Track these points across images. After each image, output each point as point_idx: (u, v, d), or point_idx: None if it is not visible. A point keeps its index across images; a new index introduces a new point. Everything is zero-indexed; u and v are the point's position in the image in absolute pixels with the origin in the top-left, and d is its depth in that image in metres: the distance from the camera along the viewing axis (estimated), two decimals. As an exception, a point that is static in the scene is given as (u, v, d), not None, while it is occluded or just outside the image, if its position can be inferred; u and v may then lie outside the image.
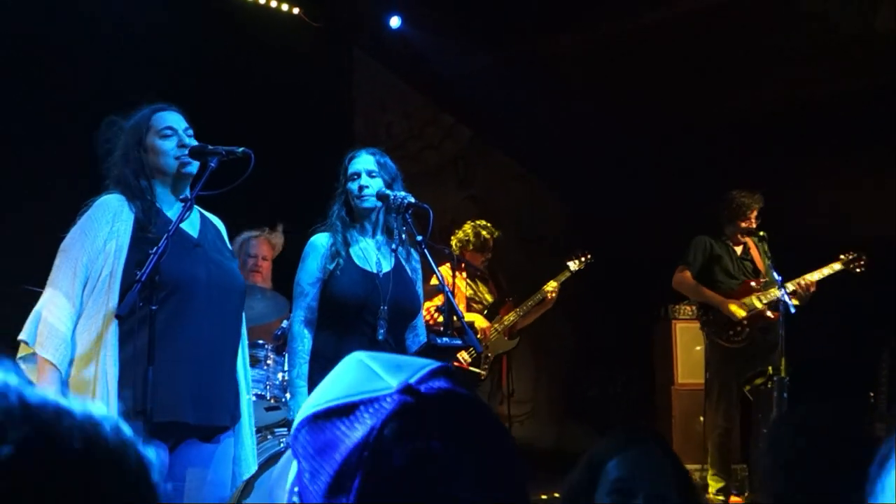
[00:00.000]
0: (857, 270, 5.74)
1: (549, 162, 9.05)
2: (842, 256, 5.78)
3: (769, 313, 5.74)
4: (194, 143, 3.07)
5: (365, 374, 0.95)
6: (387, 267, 3.55)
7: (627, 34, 6.89)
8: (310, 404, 0.95)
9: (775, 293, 5.60)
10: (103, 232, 2.89)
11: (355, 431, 0.90)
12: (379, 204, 3.52)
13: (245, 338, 3.24)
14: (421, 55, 7.81)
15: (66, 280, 2.85)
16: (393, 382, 0.92)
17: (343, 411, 0.92)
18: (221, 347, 3.05)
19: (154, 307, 2.66)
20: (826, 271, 5.72)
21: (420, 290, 3.70)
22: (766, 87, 6.92)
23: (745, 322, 5.77)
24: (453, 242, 6.23)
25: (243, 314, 3.20)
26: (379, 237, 3.61)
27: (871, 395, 6.06)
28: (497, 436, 0.96)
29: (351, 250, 3.51)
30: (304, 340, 3.43)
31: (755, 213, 5.85)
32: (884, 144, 6.73)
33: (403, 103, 8.45)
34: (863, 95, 6.55)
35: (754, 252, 6.01)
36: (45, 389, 0.71)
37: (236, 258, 4.67)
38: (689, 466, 6.47)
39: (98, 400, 2.67)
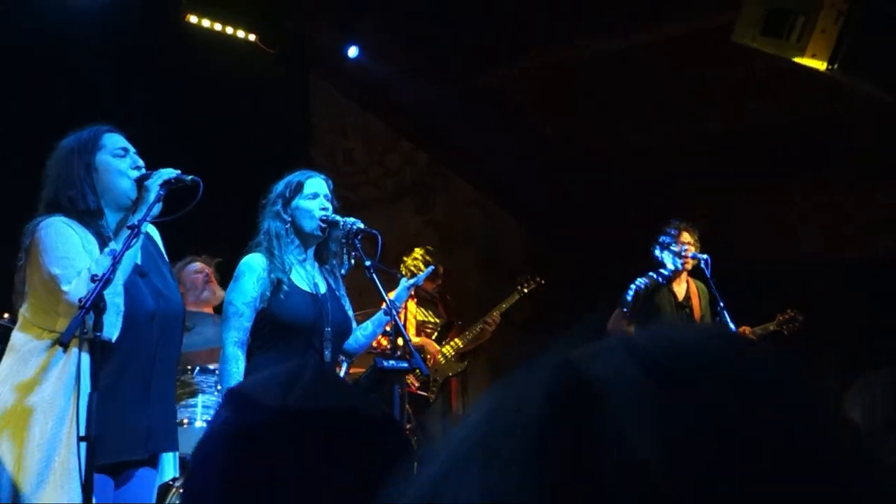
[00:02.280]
0: (786, 333, 5.80)
1: (506, 187, 9.17)
2: (778, 317, 5.85)
3: None
4: (140, 162, 3.03)
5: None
6: (323, 288, 3.54)
7: (579, 63, 7.05)
8: None
9: None
10: (77, 240, 2.84)
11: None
12: (325, 228, 3.52)
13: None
14: (379, 82, 7.89)
15: (67, 272, 2.76)
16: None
17: None
18: (167, 376, 3.08)
19: (98, 334, 2.63)
20: (759, 331, 5.80)
21: (351, 312, 3.69)
22: (710, 116, 7.13)
23: None
24: (402, 269, 6.28)
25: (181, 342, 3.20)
26: (311, 259, 3.58)
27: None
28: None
29: (291, 273, 3.46)
30: (238, 362, 3.30)
31: (686, 238, 5.85)
32: (811, 172, 6.99)
33: (363, 129, 8.51)
34: (791, 126, 6.78)
35: (695, 300, 6.02)
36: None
37: (173, 272, 4.69)
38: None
39: (48, 425, 2.70)
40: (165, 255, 3.26)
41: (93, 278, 2.63)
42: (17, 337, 2.86)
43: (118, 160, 2.99)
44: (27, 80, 5.66)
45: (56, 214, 2.90)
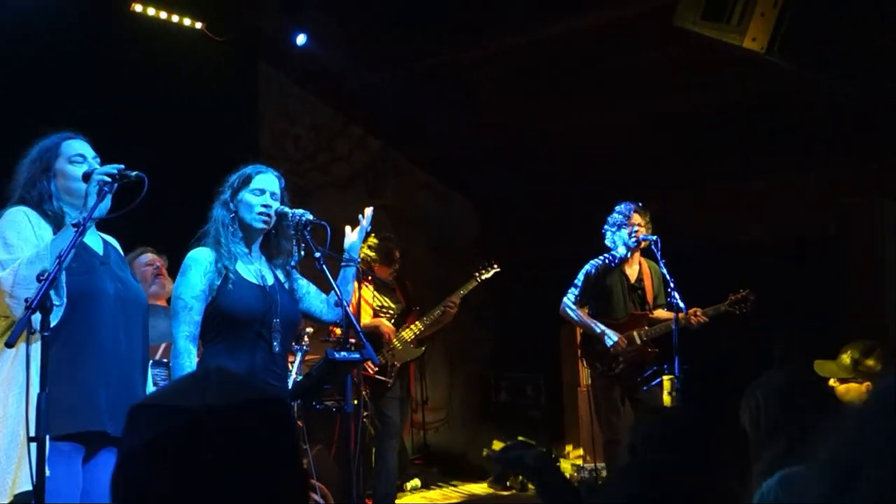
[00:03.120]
0: (739, 312, 5.80)
1: (457, 170, 9.21)
2: (731, 297, 5.82)
3: (648, 349, 5.88)
4: (97, 166, 3.11)
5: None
6: (270, 280, 3.56)
7: (529, 46, 7.09)
8: None
9: (658, 329, 5.81)
10: (30, 229, 2.95)
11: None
12: (267, 221, 3.53)
13: (147, 356, 3.29)
14: (327, 69, 7.86)
15: (5, 257, 2.87)
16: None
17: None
18: (133, 362, 3.12)
19: (46, 334, 2.65)
20: (710, 312, 5.78)
21: (314, 291, 3.75)
22: (661, 97, 7.22)
23: (620, 357, 5.86)
24: (360, 255, 6.29)
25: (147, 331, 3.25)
26: (257, 252, 3.59)
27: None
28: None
29: (237, 264, 3.47)
30: (191, 356, 3.32)
31: (637, 220, 5.91)
32: (758, 152, 7.14)
33: (311, 116, 8.49)
34: (738, 107, 6.90)
35: (647, 281, 6.08)
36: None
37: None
38: (598, 465, 6.71)
39: (9, 399, 2.78)
40: (126, 263, 3.37)
41: (38, 277, 2.66)
42: None
43: (75, 166, 3.12)
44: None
45: (22, 204, 3.05)
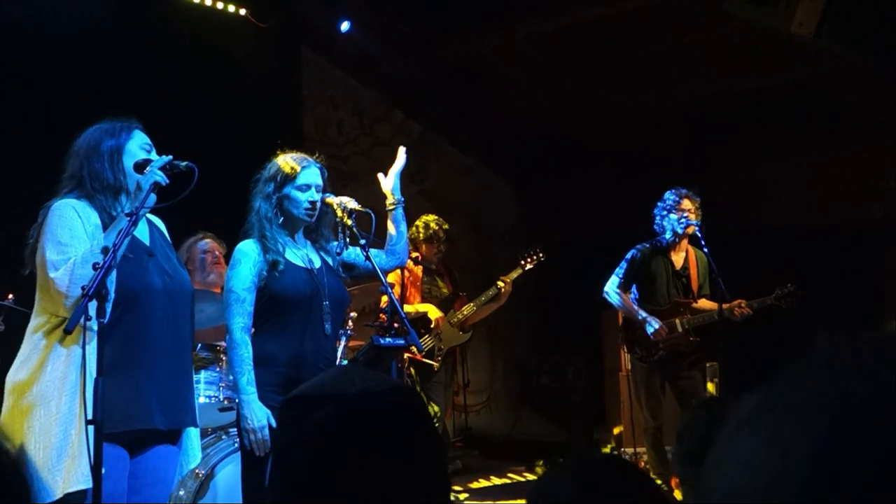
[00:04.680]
0: (784, 307, 5.69)
1: (498, 154, 9.21)
2: (777, 290, 5.71)
3: (690, 338, 5.81)
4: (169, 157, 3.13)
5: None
6: (318, 263, 3.60)
7: (567, 30, 7.06)
8: None
9: (700, 318, 5.76)
10: (80, 225, 2.96)
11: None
12: (313, 214, 3.56)
13: (191, 345, 3.37)
14: (369, 54, 7.89)
15: (58, 257, 2.88)
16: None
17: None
18: (181, 352, 3.18)
19: (103, 320, 2.72)
20: (755, 304, 5.69)
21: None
22: (702, 80, 7.16)
23: (661, 344, 5.82)
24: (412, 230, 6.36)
25: (193, 320, 3.31)
26: (301, 237, 3.63)
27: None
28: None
29: (285, 251, 3.51)
30: (248, 346, 3.36)
31: (686, 206, 5.85)
32: (800, 136, 7.05)
33: (353, 100, 8.53)
34: (780, 89, 6.82)
35: (693, 269, 6.01)
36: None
37: (182, 262, 4.77)
38: (639, 450, 6.71)
39: (62, 400, 2.82)
40: (171, 245, 3.38)
41: (94, 266, 2.71)
42: (31, 322, 3.00)
43: (143, 152, 3.15)
44: (10, 59, 5.67)
45: (70, 196, 3.04)
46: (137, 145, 3.15)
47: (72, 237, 2.91)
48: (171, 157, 3.09)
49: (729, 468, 0.61)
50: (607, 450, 7.65)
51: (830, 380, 0.60)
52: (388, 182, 3.78)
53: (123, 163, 3.10)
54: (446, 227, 6.49)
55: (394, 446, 1.11)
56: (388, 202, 3.75)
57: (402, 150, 3.83)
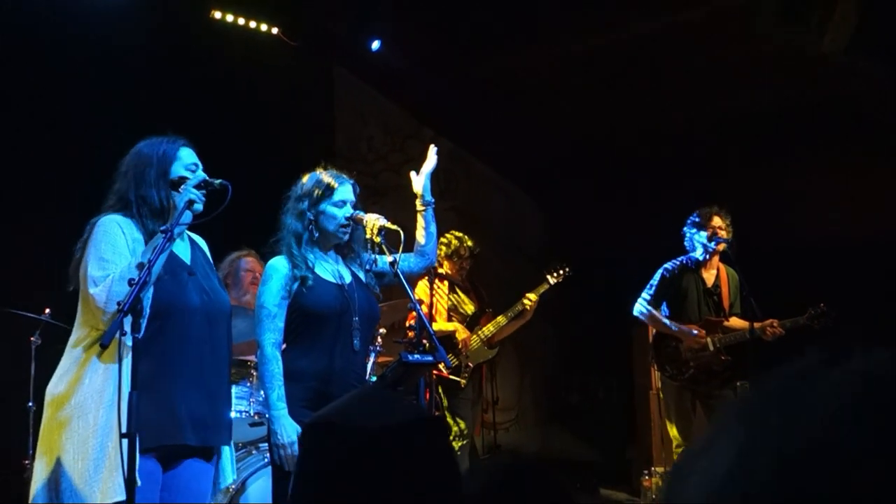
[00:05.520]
0: (817, 327, 5.59)
1: (527, 172, 9.22)
2: (809, 311, 5.62)
3: (721, 357, 5.74)
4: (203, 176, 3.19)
5: None
6: (348, 278, 3.62)
7: (596, 49, 7.08)
8: None
9: (732, 337, 5.70)
10: (123, 241, 3.01)
11: None
12: (347, 231, 3.59)
13: (230, 362, 3.40)
14: (399, 71, 7.95)
15: (100, 273, 2.93)
16: None
17: None
18: (217, 371, 3.21)
19: (138, 335, 2.76)
20: (788, 324, 5.60)
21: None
22: (728, 97, 7.14)
23: (691, 363, 5.78)
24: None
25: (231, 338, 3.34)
26: (332, 252, 3.65)
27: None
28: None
29: (315, 266, 3.54)
30: (278, 362, 3.39)
31: (717, 222, 5.81)
32: (830, 152, 6.99)
33: (384, 117, 8.59)
34: (809, 106, 6.77)
35: (724, 287, 5.95)
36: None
37: (223, 280, 4.82)
38: (669, 469, 6.64)
39: (99, 412, 2.86)
40: (212, 263, 3.44)
41: (130, 282, 2.75)
42: (72, 335, 3.06)
43: (189, 174, 3.18)
44: (53, 78, 5.79)
45: (116, 213, 3.09)
46: (183, 167, 3.18)
47: (114, 253, 2.97)
48: (205, 175, 3.14)
49: (707, 476, 0.62)
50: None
51: (799, 391, 0.62)
52: (419, 182, 3.78)
53: (170, 187, 3.14)
54: (470, 243, 6.48)
55: (414, 480, 1.12)
56: (418, 203, 3.75)
57: (432, 150, 3.83)
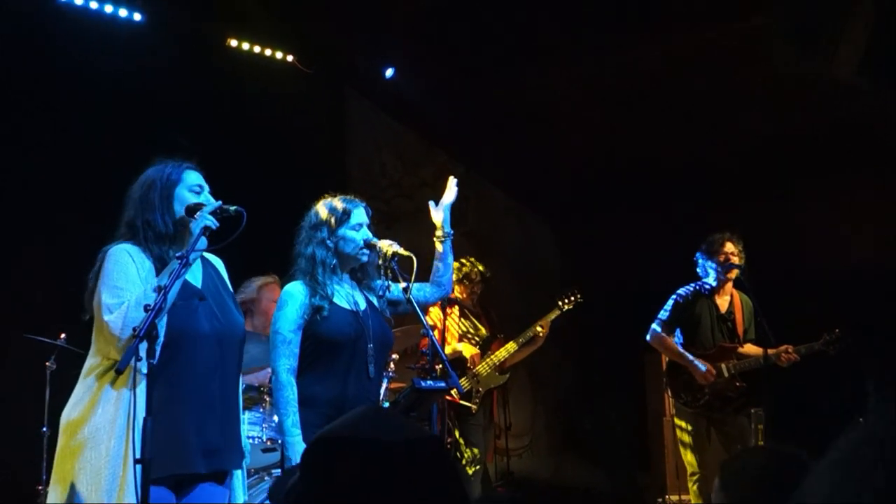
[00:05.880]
0: (832, 353, 5.57)
1: (540, 196, 9.23)
2: (824, 336, 5.60)
3: (736, 383, 5.72)
4: (212, 200, 3.21)
5: None
6: (363, 305, 3.63)
7: (609, 73, 7.11)
8: None
9: (746, 363, 5.68)
10: (133, 270, 3.02)
11: None
12: (366, 255, 3.61)
13: (241, 381, 3.40)
14: (411, 97, 8.00)
15: (113, 301, 2.95)
16: None
17: None
18: (227, 395, 3.20)
19: (153, 361, 2.77)
20: (803, 350, 5.60)
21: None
22: (742, 123, 7.15)
23: (706, 389, 5.74)
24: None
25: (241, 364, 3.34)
26: (347, 278, 3.67)
27: (861, 420, 6.11)
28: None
29: (332, 293, 3.55)
30: (293, 388, 3.40)
31: (730, 248, 5.81)
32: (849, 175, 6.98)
33: (397, 143, 8.62)
34: (826, 132, 6.77)
35: (738, 313, 5.92)
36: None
37: (245, 305, 4.82)
38: (683, 497, 6.61)
39: (111, 443, 2.87)
40: (229, 285, 3.42)
41: (145, 308, 2.77)
42: (86, 363, 3.08)
43: (193, 195, 3.20)
44: (70, 107, 5.85)
45: (126, 241, 3.12)
46: (187, 189, 3.20)
47: (126, 281, 2.99)
48: (220, 202, 3.16)
49: None
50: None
51: None
52: (439, 214, 3.79)
53: (174, 210, 3.16)
54: (481, 267, 6.50)
55: (422, 498, 1.13)
56: (437, 233, 3.77)
57: (452, 182, 3.86)
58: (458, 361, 6.09)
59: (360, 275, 3.72)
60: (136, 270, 3.03)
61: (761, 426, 4.94)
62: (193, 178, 3.24)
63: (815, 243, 7.56)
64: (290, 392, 3.40)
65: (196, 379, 3.06)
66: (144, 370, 2.82)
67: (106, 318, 2.92)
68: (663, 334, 5.94)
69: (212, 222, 3.08)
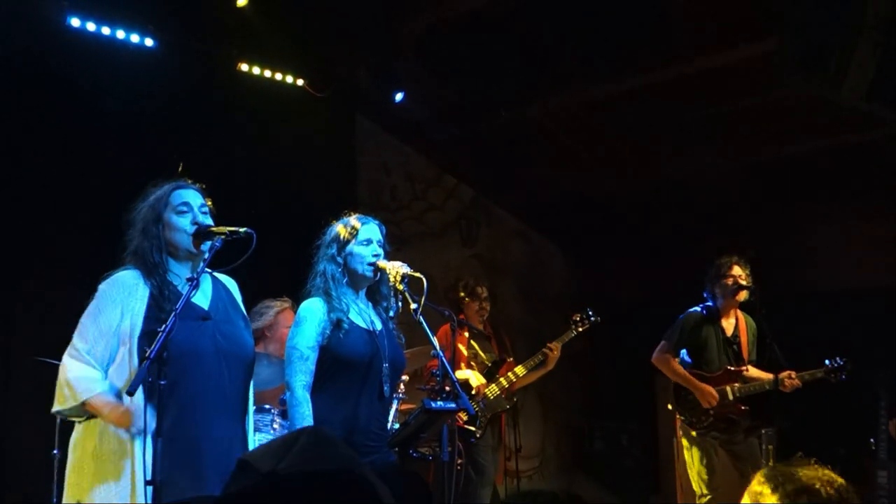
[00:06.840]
0: (833, 381, 5.60)
1: (549, 219, 9.25)
2: (827, 363, 5.63)
3: (741, 407, 5.71)
4: (208, 220, 3.22)
5: None
6: (379, 325, 3.65)
7: (617, 96, 7.14)
8: None
9: (751, 387, 5.69)
10: (116, 311, 3.03)
11: None
12: (376, 271, 3.63)
13: (252, 402, 3.39)
14: (421, 120, 8.05)
15: (81, 347, 3.02)
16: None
17: None
18: (234, 415, 3.19)
19: (163, 382, 2.77)
20: (806, 377, 5.60)
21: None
22: (750, 145, 7.16)
23: (711, 412, 5.75)
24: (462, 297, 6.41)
25: (251, 381, 3.33)
26: (363, 298, 3.69)
27: (871, 441, 6.08)
28: None
29: (349, 312, 3.57)
30: (309, 405, 3.39)
31: (737, 271, 5.84)
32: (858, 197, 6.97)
33: (406, 166, 8.67)
34: (832, 153, 6.79)
35: (743, 336, 5.94)
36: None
37: (261, 330, 4.81)
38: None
39: (122, 469, 2.88)
40: (241, 306, 3.41)
41: (156, 329, 2.79)
42: None
43: (180, 217, 3.19)
44: (83, 131, 5.89)
45: (127, 266, 3.15)
46: (174, 211, 3.19)
47: (97, 336, 3.02)
48: (230, 229, 3.17)
49: None
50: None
51: None
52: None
53: (164, 238, 3.17)
54: (486, 285, 6.54)
55: None
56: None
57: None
58: (464, 386, 6.08)
59: (378, 296, 3.74)
60: (119, 313, 3.03)
61: (772, 446, 4.93)
62: (179, 197, 3.23)
63: (823, 265, 7.55)
64: (306, 408, 3.38)
65: (200, 400, 3.04)
66: (143, 397, 2.84)
67: (65, 359, 3.00)
68: (668, 356, 5.95)
69: (219, 244, 3.09)
